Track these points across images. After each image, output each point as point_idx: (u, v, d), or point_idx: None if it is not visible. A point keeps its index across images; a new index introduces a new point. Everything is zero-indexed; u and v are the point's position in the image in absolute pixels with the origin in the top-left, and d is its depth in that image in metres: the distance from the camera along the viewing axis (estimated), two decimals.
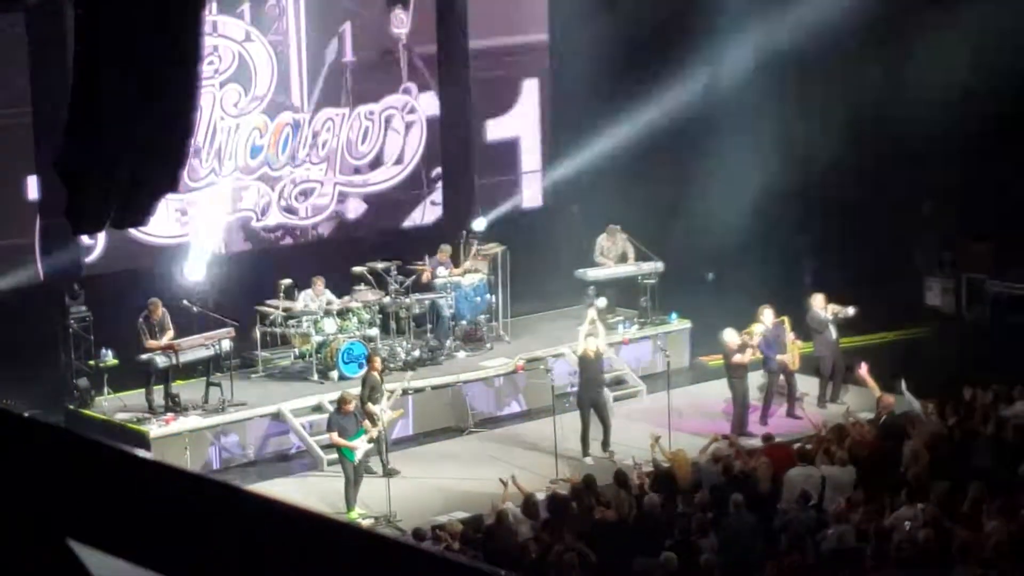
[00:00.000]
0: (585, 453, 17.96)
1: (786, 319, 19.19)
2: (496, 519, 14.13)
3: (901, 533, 13.18)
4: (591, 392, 18.18)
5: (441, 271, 20.83)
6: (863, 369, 17.78)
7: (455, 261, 21.17)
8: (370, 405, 17.06)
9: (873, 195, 22.82)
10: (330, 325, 19.58)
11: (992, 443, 15.71)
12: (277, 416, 18.51)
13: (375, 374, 17.44)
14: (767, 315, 19.06)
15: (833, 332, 19.55)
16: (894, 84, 20.96)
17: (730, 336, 18.70)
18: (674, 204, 22.58)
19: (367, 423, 16.77)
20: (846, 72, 22.34)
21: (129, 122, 4.14)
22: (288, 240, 21.55)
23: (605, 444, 18.04)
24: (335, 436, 16.60)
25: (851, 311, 19.58)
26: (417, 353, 20.07)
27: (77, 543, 2.14)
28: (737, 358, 18.56)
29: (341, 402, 16.84)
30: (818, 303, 19.59)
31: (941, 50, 20.84)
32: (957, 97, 21.16)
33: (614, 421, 18.52)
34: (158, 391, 18.45)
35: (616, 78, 22.55)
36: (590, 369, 18.30)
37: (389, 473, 17.09)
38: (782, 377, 19.16)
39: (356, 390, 17.54)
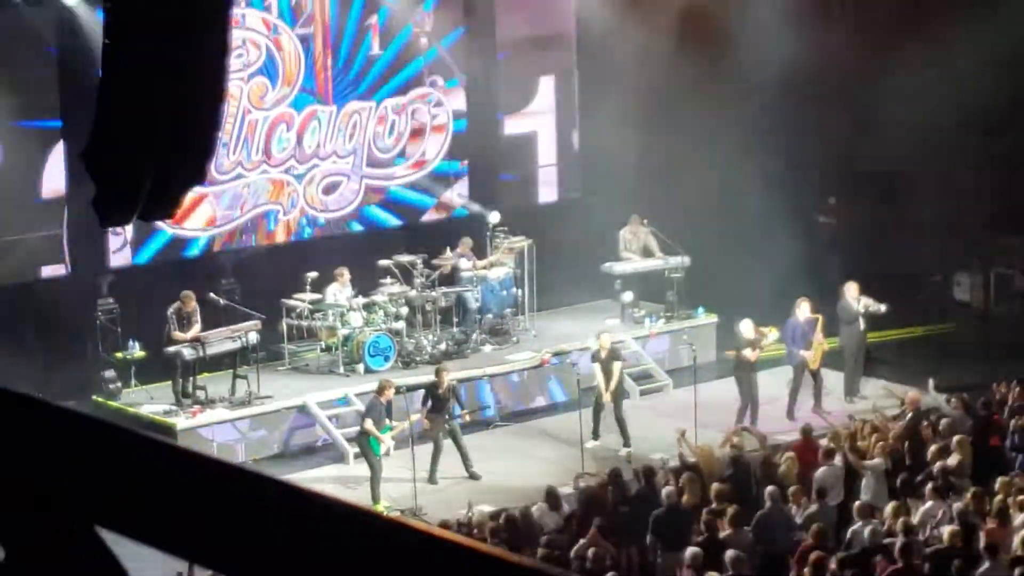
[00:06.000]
0: (594, 436, 18.16)
1: (820, 318, 19.09)
2: (521, 514, 14.15)
3: (928, 529, 13.15)
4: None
5: (464, 263, 20.86)
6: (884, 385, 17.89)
7: (478, 254, 21.20)
8: (424, 411, 17.30)
9: (902, 190, 22.73)
10: (356, 318, 19.62)
11: (1019, 438, 15.66)
12: (303, 409, 18.56)
13: (438, 389, 17.43)
14: (804, 308, 18.98)
15: (861, 324, 19.44)
16: (927, 78, 20.83)
17: (746, 328, 18.69)
18: (703, 197, 22.49)
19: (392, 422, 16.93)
20: (880, 68, 22.21)
21: (157, 115, 4.15)
22: (314, 233, 21.55)
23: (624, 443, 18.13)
24: (369, 424, 16.65)
25: (883, 308, 19.48)
26: (443, 346, 20.09)
27: (106, 530, 2.15)
28: (746, 353, 18.52)
29: (380, 389, 16.93)
30: (851, 293, 19.48)
31: (972, 46, 20.70)
32: (992, 91, 21.03)
33: (640, 415, 18.55)
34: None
35: (641, 71, 22.48)
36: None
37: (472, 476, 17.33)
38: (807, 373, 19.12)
39: (397, 379, 17.84)
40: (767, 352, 19.71)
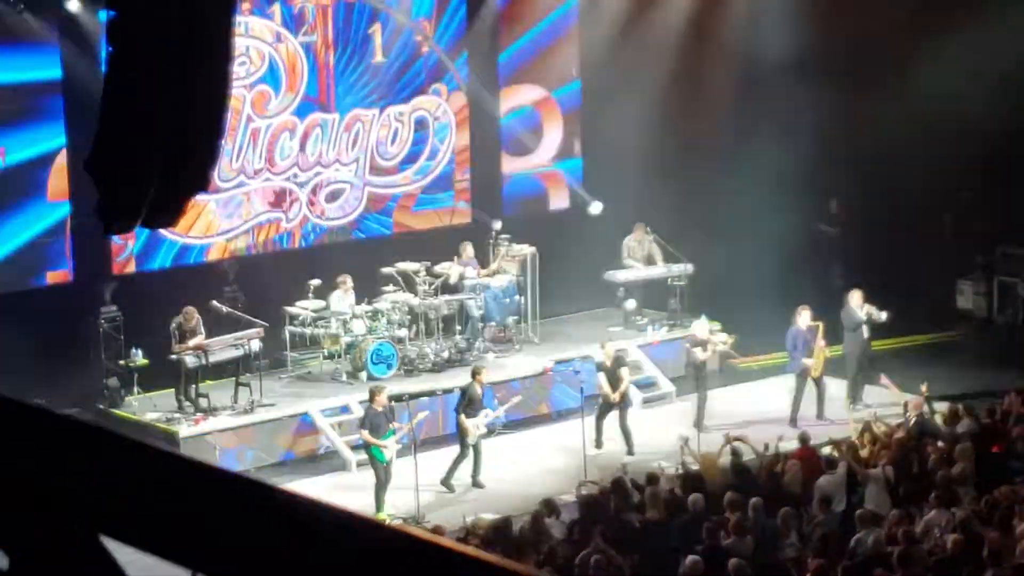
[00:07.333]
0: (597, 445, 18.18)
1: (821, 325, 19.09)
2: (530, 522, 14.10)
3: (931, 538, 13.12)
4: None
5: (468, 271, 20.85)
6: (884, 380, 17.79)
7: (481, 260, 21.20)
8: (463, 417, 17.16)
9: (905, 197, 22.71)
10: (359, 326, 19.61)
11: (1022, 446, 15.64)
12: (306, 417, 18.54)
13: (477, 387, 17.44)
14: (804, 316, 19.01)
15: (865, 332, 19.47)
16: (930, 85, 20.82)
17: (699, 327, 18.78)
18: (703, 205, 22.49)
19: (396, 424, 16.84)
20: (882, 73, 22.21)
21: (160, 122, 4.15)
22: (317, 240, 21.56)
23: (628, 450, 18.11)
24: (366, 434, 16.59)
25: (884, 316, 19.49)
26: (446, 354, 20.08)
27: (109, 539, 2.15)
28: (696, 352, 18.57)
29: (372, 395, 16.86)
30: (855, 300, 19.52)
31: (977, 51, 20.68)
32: (993, 97, 21.02)
33: (643, 423, 18.56)
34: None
35: (645, 79, 22.50)
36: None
37: (477, 485, 17.26)
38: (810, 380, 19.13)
39: (388, 384, 17.71)
40: (769, 361, 19.71)
